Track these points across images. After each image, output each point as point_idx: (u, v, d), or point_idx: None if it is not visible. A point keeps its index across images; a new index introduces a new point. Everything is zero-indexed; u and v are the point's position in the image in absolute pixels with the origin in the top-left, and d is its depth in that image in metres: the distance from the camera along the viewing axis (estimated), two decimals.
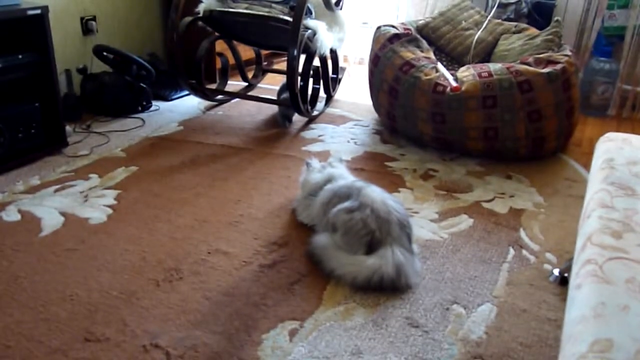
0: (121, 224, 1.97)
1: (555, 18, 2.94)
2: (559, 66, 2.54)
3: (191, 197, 2.19)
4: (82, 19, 3.16)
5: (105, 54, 3.08)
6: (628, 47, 3.34)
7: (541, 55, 2.65)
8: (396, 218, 1.72)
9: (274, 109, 3.27)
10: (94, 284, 1.64)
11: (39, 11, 2.33)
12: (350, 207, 1.75)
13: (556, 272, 1.74)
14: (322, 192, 1.93)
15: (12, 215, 2.01)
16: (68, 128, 2.71)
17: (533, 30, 3.01)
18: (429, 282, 1.71)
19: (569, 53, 2.69)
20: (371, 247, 1.68)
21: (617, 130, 1.76)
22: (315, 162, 2.10)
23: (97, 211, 2.05)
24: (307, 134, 2.94)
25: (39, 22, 2.36)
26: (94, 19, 3.22)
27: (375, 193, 1.79)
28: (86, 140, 2.74)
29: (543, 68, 2.54)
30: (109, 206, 2.10)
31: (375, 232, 1.69)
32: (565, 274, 1.71)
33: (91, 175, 2.35)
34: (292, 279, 1.69)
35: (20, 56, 2.35)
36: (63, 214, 2.03)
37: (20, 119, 2.37)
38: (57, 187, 2.23)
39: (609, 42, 3.38)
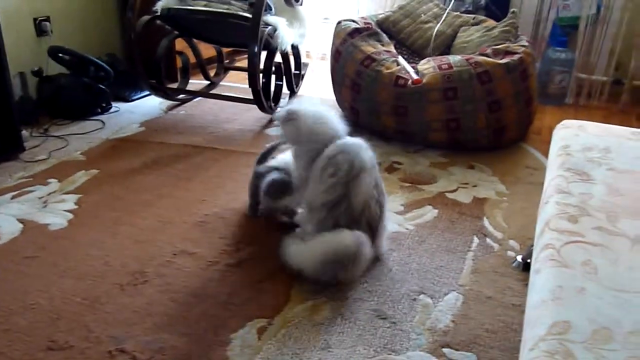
0: (83, 229, 1.93)
1: (512, 9, 3.00)
2: (516, 56, 2.59)
3: (155, 199, 2.15)
4: (35, 19, 3.07)
5: (61, 55, 3.01)
6: (582, 37, 3.43)
7: (499, 47, 2.69)
8: (371, 217, 1.73)
9: (236, 106, 3.24)
10: (55, 291, 1.59)
11: None
12: (329, 200, 1.70)
13: (519, 258, 1.78)
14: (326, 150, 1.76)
15: None
16: (24, 132, 2.63)
17: (491, 22, 3.06)
18: (396, 273, 1.72)
19: (526, 43, 2.74)
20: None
21: (575, 118, 1.80)
22: (297, 110, 1.85)
23: (57, 217, 2.00)
24: (271, 131, 2.92)
25: None
26: (47, 19, 3.13)
27: (366, 187, 1.71)
28: (44, 145, 2.66)
29: (501, 59, 2.58)
30: (70, 211, 2.05)
31: (339, 225, 1.69)
32: (528, 260, 1.75)
33: (50, 180, 2.29)
34: (260, 277, 1.68)
35: None
36: (21, 220, 1.97)
37: None
38: (14, 193, 2.17)
39: (564, 32, 3.46)
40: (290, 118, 1.81)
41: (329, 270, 1.61)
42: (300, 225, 1.87)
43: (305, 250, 1.66)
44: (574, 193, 1.22)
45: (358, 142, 1.78)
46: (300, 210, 1.93)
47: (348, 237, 1.62)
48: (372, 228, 1.71)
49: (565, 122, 1.70)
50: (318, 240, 1.65)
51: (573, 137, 1.56)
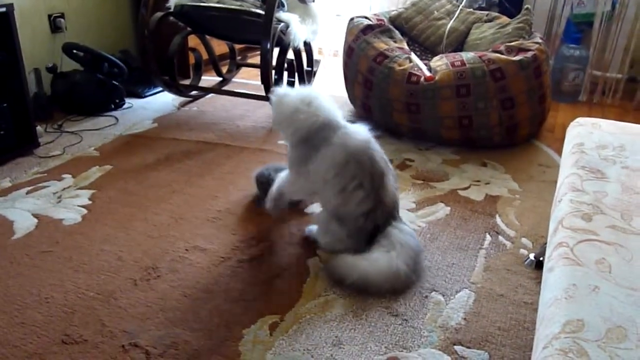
0: (96, 224, 1.95)
1: (526, 6, 2.97)
2: (530, 54, 2.57)
3: (167, 195, 2.17)
4: (49, 16, 3.09)
5: (75, 51, 3.03)
6: (597, 34, 3.40)
7: (512, 43, 2.67)
8: (396, 207, 1.77)
9: (248, 103, 3.25)
10: (70, 286, 1.61)
11: (4, 9, 2.28)
12: (367, 210, 1.67)
13: (531, 256, 1.77)
14: (332, 150, 1.68)
15: None
16: (39, 128, 2.66)
17: (504, 19, 3.04)
18: None
19: (540, 40, 2.72)
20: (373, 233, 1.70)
21: (588, 116, 1.79)
22: (285, 89, 1.82)
23: (71, 212, 2.02)
24: None
25: (5, 20, 2.31)
26: (62, 16, 3.16)
27: (390, 184, 1.72)
28: (58, 140, 2.69)
29: (515, 56, 2.56)
30: (84, 206, 2.07)
31: (380, 228, 1.70)
32: (540, 258, 1.74)
33: (64, 176, 2.31)
34: (271, 274, 1.69)
35: None
36: (36, 215, 1.99)
37: None
38: (29, 188, 2.19)
39: (578, 29, 3.43)
40: (276, 98, 1.79)
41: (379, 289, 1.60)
42: (322, 233, 1.80)
43: (361, 265, 1.62)
44: (588, 191, 1.21)
45: (360, 137, 1.71)
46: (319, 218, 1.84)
47: (401, 269, 1.60)
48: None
49: (580, 119, 1.69)
50: (372, 262, 1.62)
51: (587, 134, 1.54)
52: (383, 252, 1.63)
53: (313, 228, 1.86)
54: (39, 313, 1.50)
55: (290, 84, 3.21)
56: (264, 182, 2.05)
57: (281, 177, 1.89)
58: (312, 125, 1.71)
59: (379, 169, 1.68)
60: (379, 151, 1.73)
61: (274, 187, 1.89)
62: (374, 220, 1.68)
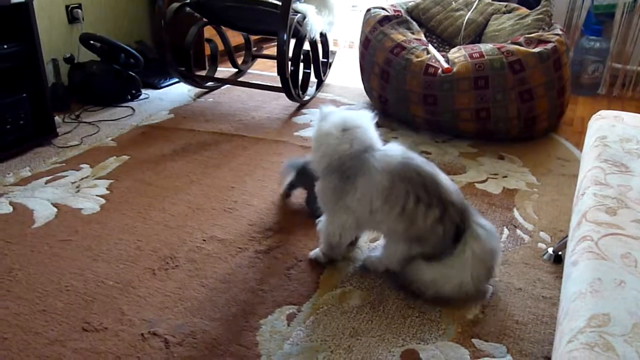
0: (115, 214, 1.96)
1: None
2: (550, 45, 2.54)
3: (184, 185, 2.18)
4: (67, 7, 3.11)
5: (92, 42, 3.04)
6: (618, 25, 3.34)
7: (532, 35, 2.64)
8: (465, 202, 1.60)
9: (264, 94, 3.25)
10: (89, 274, 1.63)
11: (23, 0, 2.29)
12: (439, 216, 1.50)
13: (550, 250, 1.76)
14: (374, 178, 1.52)
15: (3, 207, 1.99)
16: (57, 118, 2.68)
17: (523, 10, 3.00)
18: None
19: (560, 32, 2.68)
20: (458, 234, 1.54)
21: (608, 109, 1.77)
22: (330, 109, 1.66)
23: (89, 201, 2.04)
24: (299, 119, 2.92)
25: (24, 11, 2.32)
26: (79, 6, 3.17)
27: (448, 181, 1.56)
28: (76, 131, 2.71)
29: (534, 48, 2.53)
30: (102, 196, 2.08)
31: (460, 226, 1.53)
32: (559, 252, 1.73)
33: (82, 166, 2.33)
34: (288, 264, 1.69)
35: (5, 46, 2.31)
36: (55, 205, 2.01)
37: (7, 110, 2.34)
38: (49, 178, 2.22)
39: (599, 20, 3.38)
40: (318, 117, 1.64)
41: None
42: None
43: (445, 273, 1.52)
44: (612, 185, 1.20)
45: (395, 154, 1.56)
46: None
47: (470, 289, 1.50)
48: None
49: (602, 112, 1.66)
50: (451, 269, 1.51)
51: (610, 128, 1.52)
52: (458, 263, 1.50)
53: (374, 258, 1.69)
54: (60, 301, 1.51)
55: (306, 75, 3.20)
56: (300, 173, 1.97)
57: (321, 224, 1.68)
58: (342, 153, 1.55)
59: (428, 174, 1.52)
60: (419, 158, 1.57)
61: (321, 239, 1.70)
62: (451, 222, 1.52)
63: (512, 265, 1.71)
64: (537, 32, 2.71)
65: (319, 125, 1.61)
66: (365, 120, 1.60)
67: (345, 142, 1.55)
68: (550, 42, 2.56)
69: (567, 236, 1.57)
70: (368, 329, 1.43)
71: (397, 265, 1.59)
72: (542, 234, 1.88)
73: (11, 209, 1.98)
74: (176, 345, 1.36)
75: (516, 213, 2.01)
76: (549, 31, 2.72)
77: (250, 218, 1.95)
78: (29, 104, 2.43)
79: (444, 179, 1.55)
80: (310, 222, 1.81)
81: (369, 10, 2.99)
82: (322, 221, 1.67)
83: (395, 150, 1.58)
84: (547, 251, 1.76)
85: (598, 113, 1.66)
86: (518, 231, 1.89)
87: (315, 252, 1.72)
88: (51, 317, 1.45)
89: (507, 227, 1.92)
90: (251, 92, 3.31)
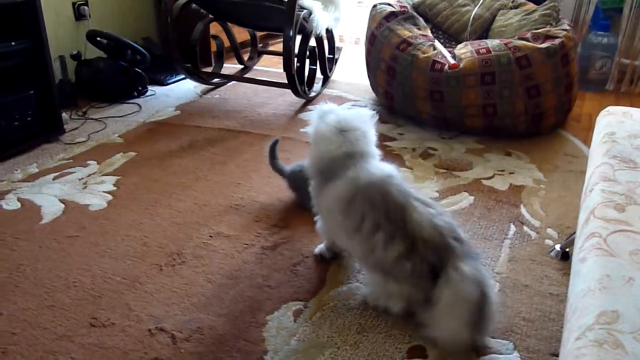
0: (122, 210, 1.97)
1: None
2: (557, 41, 2.52)
3: (191, 182, 2.18)
4: (74, 4, 3.12)
5: (98, 39, 3.05)
6: (627, 20, 3.31)
7: (539, 30, 2.63)
8: (449, 235, 1.38)
9: (270, 91, 3.25)
10: (97, 270, 1.64)
11: None
12: (404, 251, 1.37)
13: (557, 247, 1.75)
14: (339, 185, 1.44)
15: (11, 203, 2.00)
16: (64, 115, 2.69)
17: (530, 5, 2.98)
18: None
19: (567, 27, 2.67)
20: (435, 274, 1.36)
21: (616, 105, 1.75)
22: (330, 110, 1.56)
23: (96, 198, 2.05)
24: (305, 116, 2.92)
25: (31, 8, 2.33)
26: (86, 3, 3.18)
27: (422, 215, 1.38)
28: (83, 127, 2.72)
29: (541, 43, 2.52)
30: (109, 192, 2.09)
31: (436, 265, 1.36)
32: (567, 249, 1.72)
33: (89, 162, 2.34)
34: (295, 261, 1.69)
35: (13, 43, 2.32)
36: (63, 201, 2.02)
37: (15, 107, 2.35)
38: (56, 174, 2.22)
39: (607, 15, 3.35)
40: (316, 115, 1.56)
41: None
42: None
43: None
44: (620, 181, 1.19)
45: (377, 172, 1.45)
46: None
47: (465, 338, 1.32)
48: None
49: (610, 108, 1.65)
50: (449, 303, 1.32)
51: (618, 124, 1.51)
52: (446, 310, 1.32)
53: (371, 293, 1.53)
54: (67, 296, 1.52)
55: (312, 71, 3.20)
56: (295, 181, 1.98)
57: (318, 222, 1.67)
58: (333, 156, 1.47)
59: (396, 203, 1.38)
60: (400, 185, 1.43)
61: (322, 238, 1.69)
62: (421, 260, 1.36)
63: (518, 261, 1.71)
64: (545, 27, 2.69)
65: (317, 125, 1.54)
66: (365, 122, 1.52)
67: (338, 145, 1.47)
68: (557, 37, 2.55)
69: (574, 233, 1.57)
70: (375, 325, 1.44)
71: (389, 302, 1.45)
72: (549, 230, 1.87)
73: (19, 205, 1.99)
74: (183, 341, 1.37)
75: (523, 209, 2.00)
76: (556, 26, 2.70)
77: (256, 214, 1.95)
78: (36, 101, 2.44)
79: (418, 212, 1.38)
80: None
81: (375, 6, 2.98)
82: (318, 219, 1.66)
83: (381, 168, 1.47)
84: (555, 248, 1.75)
85: (606, 109, 1.65)
86: (525, 228, 1.89)
87: (320, 248, 1.72)
88: (59, 312, 1.46)
89: (513, 224, 1.91)
90: (257, 89, 3.31)
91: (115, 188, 2.12)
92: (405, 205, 1.39)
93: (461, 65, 2.49)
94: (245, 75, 3.50)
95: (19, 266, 1.65)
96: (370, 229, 1.39)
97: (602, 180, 1.21)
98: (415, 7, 3.12)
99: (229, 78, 3.38)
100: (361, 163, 1.45)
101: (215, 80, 3.39)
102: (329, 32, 3.31)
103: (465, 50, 2.58)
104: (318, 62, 3.23)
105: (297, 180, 1.93)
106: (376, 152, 1.53)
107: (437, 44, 2.69)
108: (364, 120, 1.53)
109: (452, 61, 2.53)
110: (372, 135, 1.53)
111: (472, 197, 2.08)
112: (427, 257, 1.36)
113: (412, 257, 1.36)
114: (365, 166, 1.45)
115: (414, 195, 1.42)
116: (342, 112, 1.54)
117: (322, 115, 1.54)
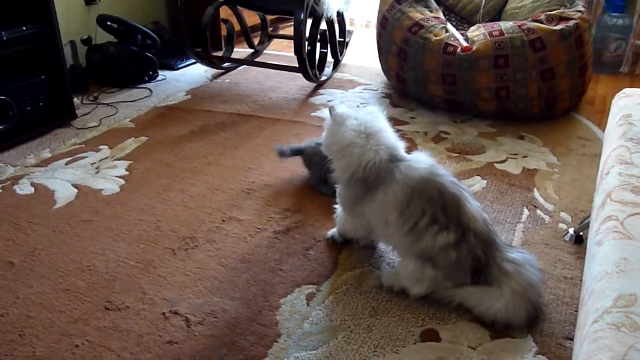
0: (134, 195, 1.98)
1: None
2: (571, 23, 2.48)
3: (202, 166, 2.18)
4: None
5: (109, 23, 3.04)
6: None
7: (553, 12, 2.58)
8: (494, 234, 1.45)
9: (281, 75, 3.24)
10: (110, 254, 1.65)
11: None
12: (454, 241, 1.38)
13: (571, 231, 1.74)
14: (393, 190, 1.43)
15: (25, 188, 2.02)
16: (76, 100, 2.70)
17: None
18: None
19: (582, 9, 2.62)
20: (476, 271, 1.44)
21: (631, 87, 1.73)
22: (344, 112, 1.55)
23: (109, 182, 2.06)
24: (316, 100, 2.91)
25: None
26: None
27: (474, 208, 1.42)
28: (94, 112, 2.73)
29: (555, 25, 2.48)
30: (121, 177, 2.10)
31: (481, 258, 1.41)
32: (580, 233, 1.71)
33: (101, 147, 2.34)
34: (307, 244, 1.70)
35: (24, 28, 2.32)
36: (76, 185, 2.03)
37: (27, 92, 2.36)
38: (68, 159, 2.24)
39: None
40: (331, 120, 1.55)
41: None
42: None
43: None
44: (637, 164, 1.17)
45: (421, 167, 1.46)
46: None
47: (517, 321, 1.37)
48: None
49: (626, 90, 1.63)
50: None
51: (635, 106, 1.49)
52: (496, 295, 1.38)
53: (388, 274, 1.55)
54: (82, 280, 1.54)
55: (322, 54, 3.17)
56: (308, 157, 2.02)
57: (338, 216, 1.68)
58: (368, 164, 1.46)
59: (451, 195, 1.41)
60: (447, 175, 1.46)
61: (337, 227, 1.70)
62: (468, 250, 1.39)
63: (532, 245, 1.70)
64: (559, 9, 2.65)
65: (337, 130, 1.52)
66: (383, 121, 1.53)
67: (369, 150, 1.47)
68: (572, 19, 2.51)
69: (588, 216, 1.55)
70: (387, 309, 1.44)
71: (413, 286, 1.46)
72: (562, 214, 1.86)
73: (33, 189, 2.01)
74: (197, 324, 1.38)
75: (536, 193, 1.99)
76: (570, 8, 2.65)
77: (268, 198, 1.95)
78: (48, 86, 2.44)
79: (470, 203, 1.42)
80: (328, 202, 1.81)
81: None
82: (339, 214, 1.67)
83: (421, 162, 1.48)
84: (568, 231, 1.74)
85: (622, 91, 1.63)
86: (538, 211, 1.88)
87: (332, 232, 1.72)
88: (74, 295, 1.48)
89: (527, 208, 1.90)
90: (268, 73, 3.30)
91: (127, 172, 2.13)
92: (460, 197, 1.42)
93: (474, 48, 2.46)
94: (256, 59, 3.48)
95: (33, 250, 1.66)
96: (427, 223, 1.40)
97: (618, 163, 1.20)
98: None
99: (239, 62, 3.37)
100: (401, 162, 1.47)
101: (226, 64, 3.38)
102: (339, 15, 3.28)
103: (478, 32, 2.54)
104: (329, 45, 3.21)
105: (312, 156, 1.96)
106: (401, 144, 1.54)
107: (449, 26, 2.66)
108: (380, 118, 1.54)
109: (464, 44, 2.50)
110: (392, 132, 1.54)
111: (485, 181, 2.07)
112: (475, 249, 1.40)
113: (459, 247, 1.39)
114: (406, 164, 1.47)
115: (462, 186, 1.47)
116: (360, 115, 1.53)
117: (340, 120, 1.52)
